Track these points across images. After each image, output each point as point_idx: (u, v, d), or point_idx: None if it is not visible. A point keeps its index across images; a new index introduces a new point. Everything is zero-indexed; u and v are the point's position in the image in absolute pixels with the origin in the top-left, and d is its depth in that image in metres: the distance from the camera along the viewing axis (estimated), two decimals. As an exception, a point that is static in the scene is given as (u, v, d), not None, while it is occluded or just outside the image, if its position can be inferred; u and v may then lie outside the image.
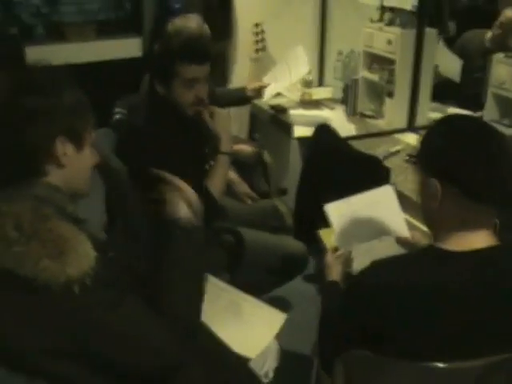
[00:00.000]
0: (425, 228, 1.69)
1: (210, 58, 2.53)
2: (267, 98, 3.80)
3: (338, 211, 2.11)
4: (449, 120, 1.60)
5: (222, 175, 2.54)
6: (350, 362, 1.59)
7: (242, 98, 3.77)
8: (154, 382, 1.52)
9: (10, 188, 1.42)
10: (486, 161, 1.42)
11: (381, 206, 2.10)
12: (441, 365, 1.47)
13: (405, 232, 2.05)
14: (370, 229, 2.08)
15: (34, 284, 1.31)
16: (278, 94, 4.05)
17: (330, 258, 2.01)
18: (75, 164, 1.52)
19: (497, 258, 1.48)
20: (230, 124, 2.65)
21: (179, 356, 1.50)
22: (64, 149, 1.47)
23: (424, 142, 1.57)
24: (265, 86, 3.76)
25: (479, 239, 1.48)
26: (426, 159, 1.54)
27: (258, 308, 2.10)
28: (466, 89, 3.74)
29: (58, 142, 1.46)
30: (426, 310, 1.44)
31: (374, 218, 2.08)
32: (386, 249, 1.92)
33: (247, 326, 1.95)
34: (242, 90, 3.75)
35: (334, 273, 1.96)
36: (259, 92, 3.75)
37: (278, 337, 2.07)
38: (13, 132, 1.42)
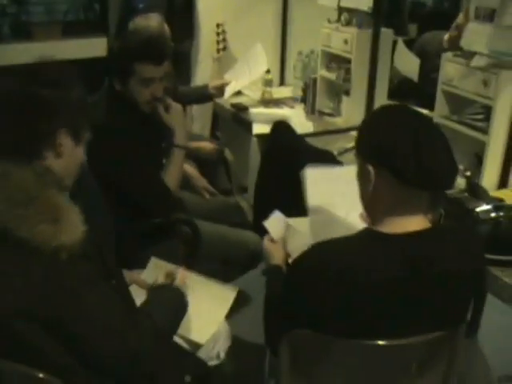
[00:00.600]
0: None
1: (167, 58, 2.57)
2: (228, 95, 3.85)
3: (315, 177, 2.16)
4: (383, 109, 1.67)
5: (178, 167, 2.60)
6: (295, 342, 1.63)
7: (204, 96, 3.83)
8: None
9: (10, 162, 1.49)
10: (415, 146, 1.47)
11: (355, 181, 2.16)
12: (381, 342, 1.53)
13: None
14: (341, 201, 2.11)
15: (28, 246, 1.39)
16: (239, 93, 4.10)
17: (267, 243, 2.08)
18: (70, 157, 1.60)
19: (428, 241, 1.53)
20: (185, 118, 2.71)
21: (142, 346, 1.55)
22: (64, 140, 1.57)
23: (360, 130, 1.64)
24: (227, 84, 3.82)
25: (413, 223, 1.53)
26: (361, 145, 1.61)
27: (208, 286, 2.12)
28: (424, 88, 3.81)
29: (61, 133, 1.56)
30: (360, 291, 1.49)
31: (346, 192, 2.13)
32: (343, 227, 1.96)
33: (199, 304, 1.97)
34: (205, 87, 3.81)
35: (276, 257, 2.02)
36: (221, 90, 3.81)
37: (228, 318, 2.10)
38: (25, 118, 1.51)
